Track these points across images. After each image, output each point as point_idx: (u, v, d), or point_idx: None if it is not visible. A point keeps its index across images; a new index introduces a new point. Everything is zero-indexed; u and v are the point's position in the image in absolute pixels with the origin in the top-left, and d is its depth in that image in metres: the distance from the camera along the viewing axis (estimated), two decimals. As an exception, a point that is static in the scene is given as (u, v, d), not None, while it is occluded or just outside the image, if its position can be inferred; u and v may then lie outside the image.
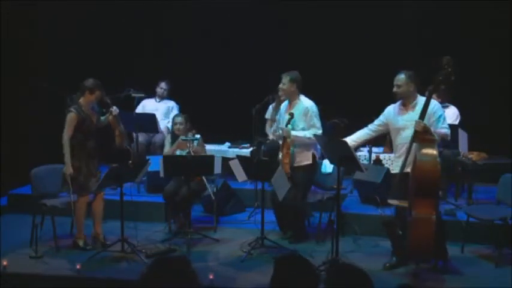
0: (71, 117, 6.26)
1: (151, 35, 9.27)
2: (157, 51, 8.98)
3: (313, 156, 6.52)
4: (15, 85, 7.98)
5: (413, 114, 5.64)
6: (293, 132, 6.39)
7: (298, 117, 6.46)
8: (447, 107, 7.26)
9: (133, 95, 7.94)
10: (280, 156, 6.50)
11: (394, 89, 5.76)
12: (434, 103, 5.71)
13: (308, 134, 6.39)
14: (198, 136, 6.90)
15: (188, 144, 6.68)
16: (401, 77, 5.74)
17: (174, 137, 7.05)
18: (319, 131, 6.43)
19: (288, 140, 6.38)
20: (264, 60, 8.58)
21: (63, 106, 7.70)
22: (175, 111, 8.27)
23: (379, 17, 8.55)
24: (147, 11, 9.17)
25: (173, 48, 8.68)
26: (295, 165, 6.45)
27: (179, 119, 7.03)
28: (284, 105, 6.73)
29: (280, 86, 6.58)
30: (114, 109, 6.52)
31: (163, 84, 8.50)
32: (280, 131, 6.52)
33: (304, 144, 6.46)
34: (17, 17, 8.08)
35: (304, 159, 6.49)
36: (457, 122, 7.30)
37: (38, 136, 8.12)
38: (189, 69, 8.29)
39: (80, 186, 6.31)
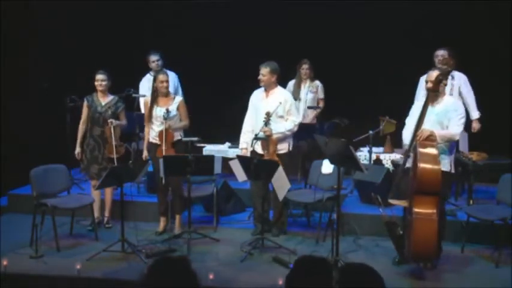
0: (83, 105, 7.07)
1: (151, 35, 9.26)
2: (158, 51, 8.95)
3: (289, 145, 6.79)
4: (15, 85, 7.98)
5: (433, 109, 5.71)
6: (274, 131, 6.57)
7: (275, 102, 6.63)
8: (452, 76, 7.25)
9: (133, 95, 7.93)
10: (259, 148, 6.63)
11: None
12: (457, 102, 5.94)
13: (288, 126, 6.65)
14: (179, 98, 6.90)
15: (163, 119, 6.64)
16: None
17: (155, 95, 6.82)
18: (297, 120, 6.81)
19: (272, 138, 6.56)
20: (264, 60, 8.57)
21: (63, 106, 7.76)
22: (178, 87, 7.94)
23: (379, 17, 8.55)
24: (148, 10, 9.18)
25: (173, 48, 8.66)
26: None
27: (162, 77, 6.74)
28: (259, 91, 6.81)
29: (260, 77, 6.67)
30: (110, 121, 6.84)
31: (153, 57, 7.93)
32: (261, 133, 6.57)
33: (283, 137, 6.70)
34: (17, 16, 8.08)
35: (283, 147, 6.71)
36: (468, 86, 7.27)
37: (37, 136, 8.12)
38: (188, 69, 8.28)
39: (84, 168, 7.11)
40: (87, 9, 8.71)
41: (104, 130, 6.89)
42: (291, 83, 8.27)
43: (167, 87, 6.80)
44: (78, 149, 7.00)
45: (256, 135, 6.62)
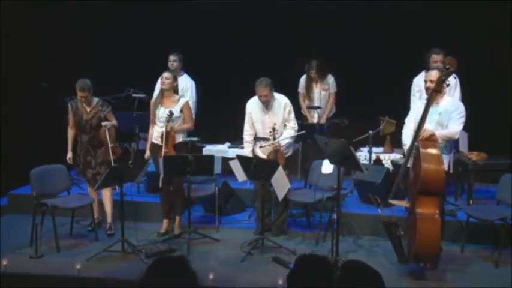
0: (68, 109, 6.94)
1: (152, 35, 9.26)
2: (158, 51, 8.96)
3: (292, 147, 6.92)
4: (15, 85, 7.98)
5: (434, 110, 5.74)
6: (281, 142, 6.62)
7: (278, 113, 6.68)
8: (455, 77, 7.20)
9: (133, 95, 7.92)
10: (260, 154, 6.72)
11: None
12: (457, 101, 5.97)
13: (291, 133, 6.71)
14: (184, 100, 6.82)
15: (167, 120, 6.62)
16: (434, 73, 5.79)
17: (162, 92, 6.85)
18: (296, 126, 6.78)
19: (280, 149, 6.64)
20: (263, 60, 8.58)
21: (63, 106, 7.75)
22: (190, 93, 7.80)
23: (378, 17, 8.54)
24: (148, 10, 9.17)
25: (173, 48, 8.65)
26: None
27: (166, 74, 6.78)
28: (256, 101, 6.73)
29: (264, 99, 6.62)
30: (105, 124, 6.71)
31: (171, 57, 7.91)
32: (268, 147, 6.61)
33: (289, 145, 6.80)
34: (17, 16, 8.08)
35: (288, 151, 6.83)
36: (458, 90, 7.25)
37: (38, 136, 8.12)
38: (189, 69, 8.27)
39: (80, 171, 7.01)
40: (87, 8, 8.70)
41: (92, 136, 6.79)
42: (302, 79, 8.32)
43: (167, 84, 6.73)
44: (69, 154, 6.87)
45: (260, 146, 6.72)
